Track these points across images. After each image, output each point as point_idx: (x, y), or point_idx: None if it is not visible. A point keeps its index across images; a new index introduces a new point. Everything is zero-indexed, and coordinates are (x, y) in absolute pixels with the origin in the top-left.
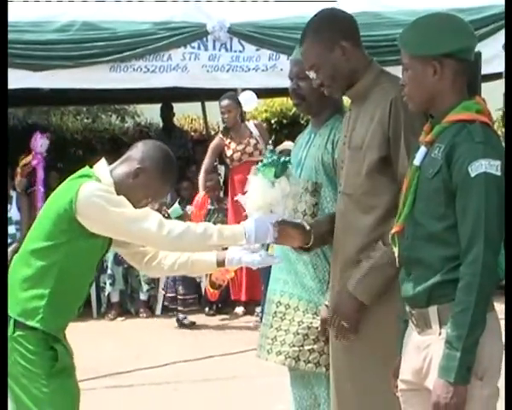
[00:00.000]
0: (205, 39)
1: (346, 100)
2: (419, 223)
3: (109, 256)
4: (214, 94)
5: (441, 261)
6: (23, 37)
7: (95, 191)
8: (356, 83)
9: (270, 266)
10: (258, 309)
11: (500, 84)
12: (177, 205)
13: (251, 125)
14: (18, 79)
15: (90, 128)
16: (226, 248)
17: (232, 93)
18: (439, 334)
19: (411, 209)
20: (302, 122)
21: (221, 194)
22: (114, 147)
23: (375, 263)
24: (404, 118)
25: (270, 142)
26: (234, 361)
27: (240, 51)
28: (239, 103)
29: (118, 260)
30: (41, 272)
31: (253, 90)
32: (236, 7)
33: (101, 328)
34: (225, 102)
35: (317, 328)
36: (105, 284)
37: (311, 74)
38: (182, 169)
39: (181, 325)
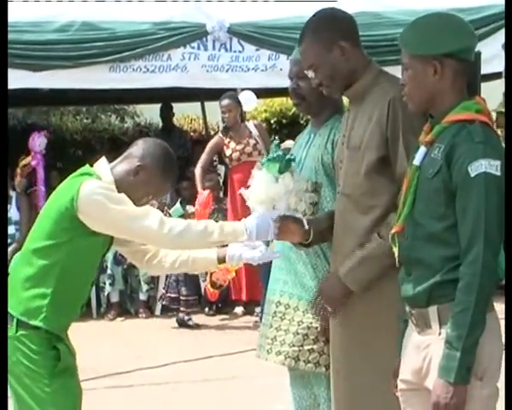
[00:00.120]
0: (204, 39)
1: (346, 100)
2: (419, 223)
3: (109, 256)
4: (214, 94)
5: (441, 261)
6: (23, 37)
7: (96, 189)
8: (355, 83)
9: (270, 267)
10: (257, 309)
11: (500, 84)
12: (178, 205)
13: (251, 125)
14: (17, 79)
15: (90, 128)
16: (226, 245)
17: (232, 93)
18: (439, 334)
19: (411, 209)
20: (302, 122)
21: (221, 194)
22: (114, 147)
23: (368, 254)
24: (403, 118)
25: (277, 138)
26: (233, 361)
27: (239, 51)
28: (239, 103)
29: (117, 260)
30: (43, 271)
31: (253, 90)
32: (236, 7)
33: (100, 328)
34: (226, 101)
35: (316, 328)
36: (104, 284)
37: (310, 74)
38: (181, 169)
39: (183, 325)
